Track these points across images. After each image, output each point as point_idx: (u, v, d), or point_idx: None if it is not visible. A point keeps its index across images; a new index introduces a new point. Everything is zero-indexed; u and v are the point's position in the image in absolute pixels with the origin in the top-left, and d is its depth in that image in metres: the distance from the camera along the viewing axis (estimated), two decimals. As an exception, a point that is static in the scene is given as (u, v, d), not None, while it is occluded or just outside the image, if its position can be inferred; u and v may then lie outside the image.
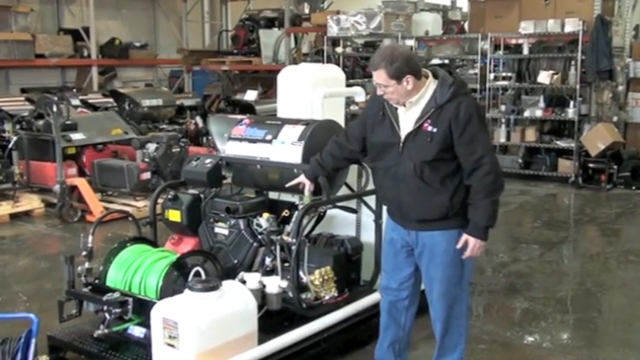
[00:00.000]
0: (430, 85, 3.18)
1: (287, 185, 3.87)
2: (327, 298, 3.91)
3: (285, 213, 4.05)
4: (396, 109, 3.24)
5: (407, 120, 3.20)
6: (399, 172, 3.21)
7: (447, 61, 11.33)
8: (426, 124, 3.13)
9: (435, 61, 11.43)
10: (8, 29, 11.85)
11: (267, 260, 3.93)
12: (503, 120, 10.11)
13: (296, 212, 3.83)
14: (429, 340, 3.61)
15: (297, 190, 3.89)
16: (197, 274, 3.60)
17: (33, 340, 3.44)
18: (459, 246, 3.20)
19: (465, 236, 3.18)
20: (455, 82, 3.16)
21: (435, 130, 3.11)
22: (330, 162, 3.67)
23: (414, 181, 3.18)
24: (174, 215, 4.29)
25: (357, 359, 4.00)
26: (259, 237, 4.04)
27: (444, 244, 3.23)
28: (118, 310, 3.59)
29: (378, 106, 3.31)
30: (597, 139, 9.21)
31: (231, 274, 3.85)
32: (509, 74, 10.11)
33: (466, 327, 3.50)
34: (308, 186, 3.76)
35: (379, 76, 3.13)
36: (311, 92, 4.40)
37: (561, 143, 9.75)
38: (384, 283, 3.56)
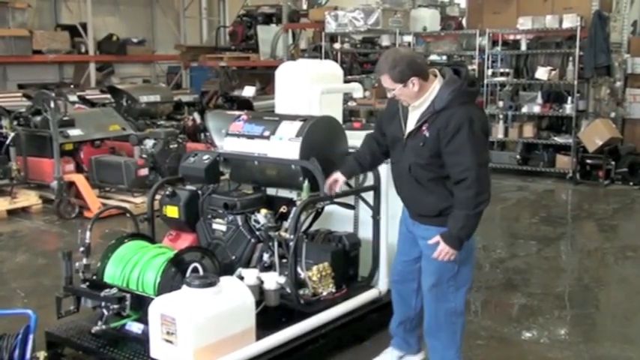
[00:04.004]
0: (435, 88, 3.19)
1: (326, 184, 3.74)
2: (324, 294, 3.90)
3: (283, 209, 4.05)
4: (408, 105, 3.28)
5: (412, 119, 3.27)
6: (401, 168, 3.34)
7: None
8: (423, 127, 3.18)
9: (434, 57, 11.47)
10: (5, 25, 11.85)
11: (265, 256, 3.93)
12: (501, 116, 10.13)
13: (294, 208, 3.83)
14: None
15: (295, 185, 3.89)
16: (195, 270, 3.59)
17: (30, 336, 3.45)
18: (430, 242, 3.21)
19: (437, 237, 3.18)
20: (455, 89, 3.13)
21: (428, 135, 3.16)
22: (369, 158, 3.69)
23: (409, 179, 3.29)
24: (172, 211, 4.28)
25: (356, 355, 4.00)
26: (257, 233, 4.04)
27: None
28: (115, 306, 3.59)
29: (395, 101, 3.35)
30: (595, 134, 9.21)
31: (229, 270, 3.84)
32: (507, 70, 10.13)
33: (458, 324, 3.42)
34: (341, 183, 3.73)
35: (385, 81, 3.19)
36: (309, 88, 4.39)
37: (559, 139, 9.75)
38: (394, 261, 3.71)
